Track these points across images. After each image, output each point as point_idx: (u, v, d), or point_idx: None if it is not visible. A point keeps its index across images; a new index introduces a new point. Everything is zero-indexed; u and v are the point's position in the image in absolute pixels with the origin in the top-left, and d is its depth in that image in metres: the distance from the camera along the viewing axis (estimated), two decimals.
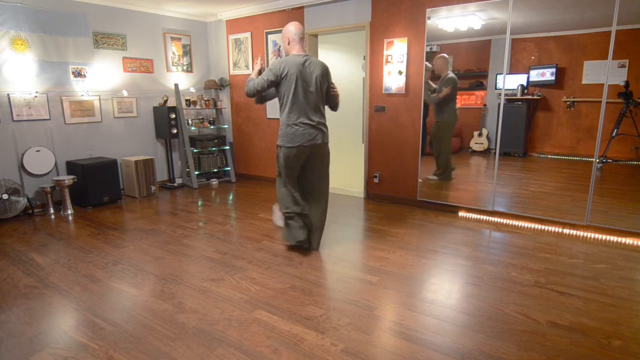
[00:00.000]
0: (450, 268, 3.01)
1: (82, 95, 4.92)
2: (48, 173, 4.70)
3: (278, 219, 3.63)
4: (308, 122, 3.03)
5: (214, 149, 5.97)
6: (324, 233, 3.46)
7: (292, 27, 3.11)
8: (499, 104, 3.98)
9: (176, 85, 5.65)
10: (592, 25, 3.57)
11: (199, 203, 4.97)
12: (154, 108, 5.67)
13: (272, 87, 3.09)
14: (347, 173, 6.05)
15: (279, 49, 5.47)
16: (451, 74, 4.38)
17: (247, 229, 3.96)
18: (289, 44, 3.12)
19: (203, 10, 5.68)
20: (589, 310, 2.41)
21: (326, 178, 3.27)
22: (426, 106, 4.47)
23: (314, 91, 3.04)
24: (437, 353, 2.02)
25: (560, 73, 3.83)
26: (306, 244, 3.32)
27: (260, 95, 3.20)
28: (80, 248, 3.50)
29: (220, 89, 6.26)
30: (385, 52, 4.56)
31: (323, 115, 3.16)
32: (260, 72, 3.16)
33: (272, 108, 5.71)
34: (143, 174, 5.21)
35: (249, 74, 5.88)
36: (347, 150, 6.14)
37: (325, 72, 3.13)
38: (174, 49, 5.85)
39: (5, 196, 4.20)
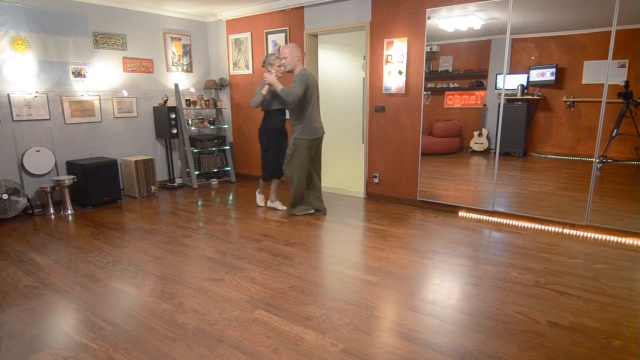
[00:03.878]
0: (450, 268, 3.01)
1: (82, 95, 4.92)
2: (48, 173, 4.70)
3: (260, 200, 4.78)
4: (319, 119, 4.17)
5: (214, 149, 5.97)
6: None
7: (298, 49, 4.07)
8: (499, 104, 3.98)
9: (176, 85, 5.65)
10: (592, 25, 3.57)
11: (199, 203, 4.97)
12: (154, 108, 5.67)
13: None
14: (347, 173, 6.05)
15: (279, 49, 5.46)
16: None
17: (247, 229, 3.96)
18: (298, 60, 4.05)
19: (203, 10, 5.67)
20: (589, 310, 2.41)
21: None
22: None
23: (317, 97, 4.11)
24: (437, 353, 2.02)
25: (560, 73, 3.83)
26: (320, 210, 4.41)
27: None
28: (80, 248, 3.50)
29: (220, 89, 6.26)
30: (385, 52, 4.56)
31: None
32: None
33: None
34: (143, 174, 5.21)
35: (248, 74, 5.90)
36: (347, 150, 6.14)
37: None
38: (174, 49, 5.85)
39: (5, 196, 4.20)
